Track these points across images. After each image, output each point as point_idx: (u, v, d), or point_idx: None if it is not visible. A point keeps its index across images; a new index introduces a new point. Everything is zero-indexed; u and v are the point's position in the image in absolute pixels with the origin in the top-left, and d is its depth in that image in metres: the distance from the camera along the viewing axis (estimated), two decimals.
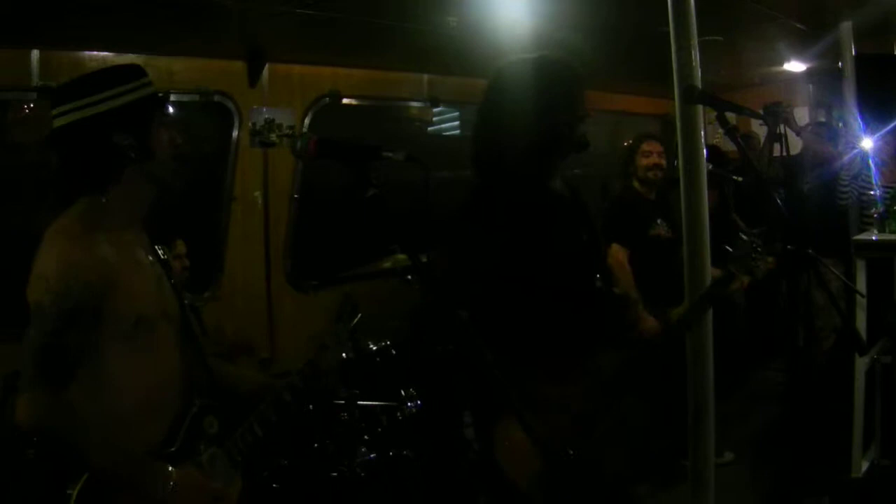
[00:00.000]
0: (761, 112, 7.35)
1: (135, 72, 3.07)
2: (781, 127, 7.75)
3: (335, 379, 3.50)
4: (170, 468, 2.85)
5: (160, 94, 3.14)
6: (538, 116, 3.38)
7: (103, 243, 2.84)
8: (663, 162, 6.62)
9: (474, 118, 3.70)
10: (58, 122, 2.95)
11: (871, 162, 7.18)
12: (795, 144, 8.48)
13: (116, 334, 2.83)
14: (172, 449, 2.98)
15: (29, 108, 5.68)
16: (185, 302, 3.32)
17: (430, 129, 9.89)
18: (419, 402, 5.39)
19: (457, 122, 10.00)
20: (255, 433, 3.19)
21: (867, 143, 7.15)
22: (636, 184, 6.65)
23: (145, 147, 2.97)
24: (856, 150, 7.30)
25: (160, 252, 3.22)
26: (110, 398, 2.86)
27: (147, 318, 2.92)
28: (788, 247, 3.72)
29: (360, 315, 3.62)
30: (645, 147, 6.60)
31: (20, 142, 5.84)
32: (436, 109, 9.07)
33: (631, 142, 6.87)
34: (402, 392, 5.39)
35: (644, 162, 6.57)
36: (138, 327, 2.89)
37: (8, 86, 5.44)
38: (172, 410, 3.05)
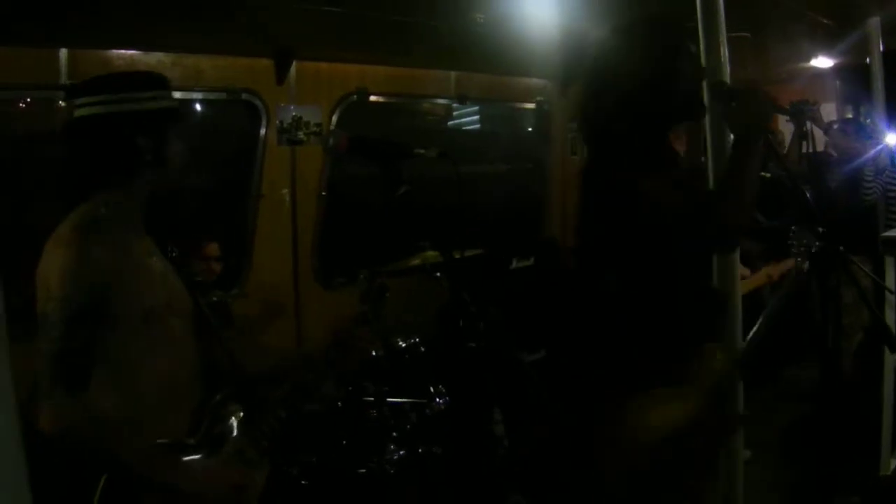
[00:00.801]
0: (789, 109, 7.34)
1: (161, 81, 3.14)
2: (808, 125, 7.74)
3: (361, 357, 3.46)
4: (190, 460, 2.90)
5: (178, 110, 3.21)
6: (659, 81, 3.33)
7: (101, 245, 2.86)
8: (681, 150, 6.56)
9: (583, 91, 3.61)
10: (80, 112, 3.01)
11: (894, 158, 7.16)
12: (821, 142, 8.47)
13: (126, 330, 2.88)
14: (193, 441, 3.01)
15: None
16: (205, 298, 3.36)
17: (449, 123, 9.90)
18: (448, 399, 5.40)
19: (476, 118, 10.00)
20: (280, 417, 3.20)
21: (892, 139, 7.12)
22: None
23: (161, 154, 3.05)
24: (880, 146, 7.28)
25: (170, 251, 3.26)
26: (128, 393, 2.91)
27: (154, 312, 2.96)
28: (817, 244, 3.71)
29: (388, 294, 3.56)
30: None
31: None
32: (455, 105, 9.09)
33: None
34: (431, 389, 5.40)
35: None
36: (147, 321, 2.93)
37: (36, 84, 5.47)
38: (191, 402, 3.09)
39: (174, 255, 3.28)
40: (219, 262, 5.80)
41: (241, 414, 3.14)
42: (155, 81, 3.12)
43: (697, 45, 3.51)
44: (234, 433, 3.10)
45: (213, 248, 5.77)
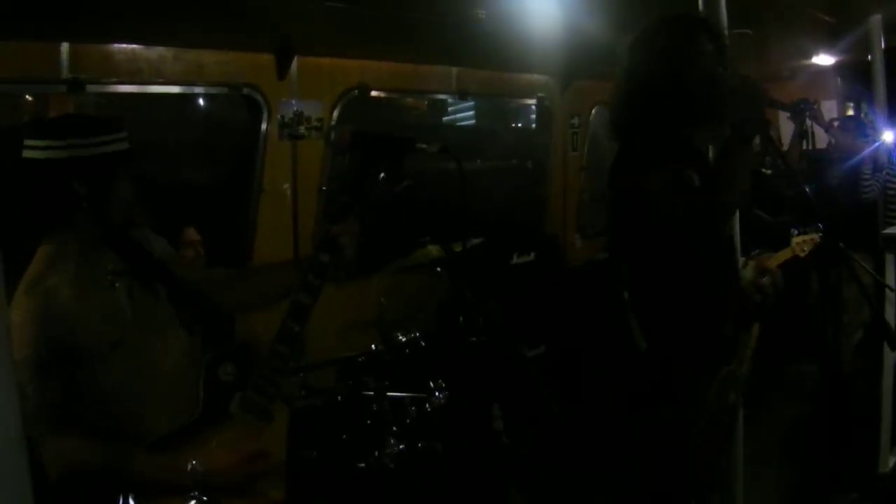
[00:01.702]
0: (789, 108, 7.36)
1: (113, 125, 3.16)
2: (808, 123, 7.75)
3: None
4: (189, 454, 2.89)
5: (129, 152, 3.19)
6: (682, 79, 3.33)
7: (59, 293, 2.97)
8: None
9: (621, 81, 3.61)
10: (26, 154, 3.07)
11: (892, 156, 7.17)
12: (821, 139, 8.48)
13: (98, 362, 2.97)
14: (194, 417, 3.01)
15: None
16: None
17: (444, 118, 9.90)
18: (448, 394, 5.40)
19: (472, 113, 9.99)
20: (281, 353, 3.14)
21: (890, 136, 7.13)
22: None
23: (104, 200, 3.10)
24: (876, 144, 7.29)
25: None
26: (127, 408, 3.04)
27: (123, 339, 3.04)
28: (818, 240, 3.74)
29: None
30: None
31: None
32: (451, 100, 9.11)
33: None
34: (432, 384, 5.40)
35: None
36: (119, 349, 3.02)
37: (38, 79, 5.47)
38: (193, 391, 3.08)
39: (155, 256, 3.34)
40: (200, 246, 5.81)
41: (235, 366, 3.12)
42: (105, 126, 3.14)
43: (728, 48, 3.50)
44: (236, 390, 3.08)
45: (192, 233, 5.77)
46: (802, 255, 6.06)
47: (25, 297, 2.95)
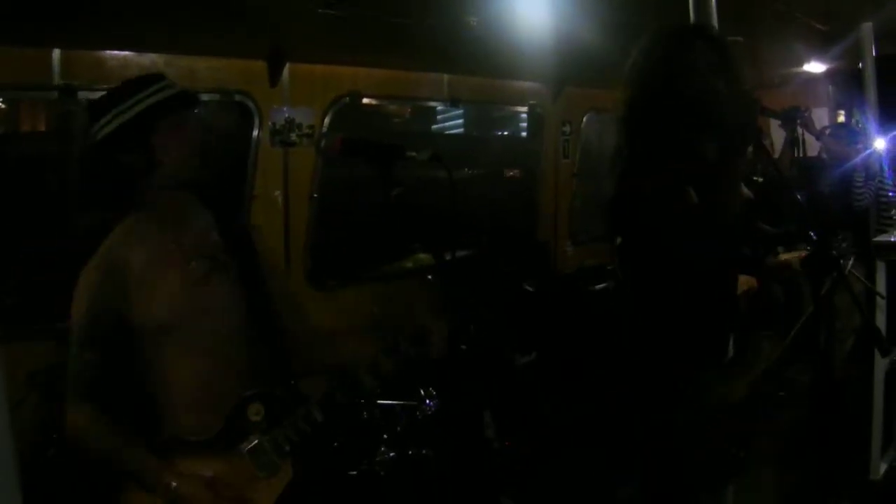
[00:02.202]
0: (780, 116, 7.36)
1: (156, 77, 3.15)
2: (799, 130, 7.76)
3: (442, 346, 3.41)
4: (170, 474, 2.93)
5: (172, 97, 3.15)
6: (689, 84, 3.32)
7: (123, 263, 3.02)
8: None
9: (628, 86, 3.59)
10: (102, 133, 3.05)
11: (883, 164, 7.17)
12: (812, 147, 8.48)
13: (143, 342, 3.02)
14: (208, 438, 3.04)
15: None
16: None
17: (433, 127, 9.90)
18: (439, 402, 5.39)
19: (461, 121, 9.99)
20: (313, 418, 3.17)
21: (881, 144, 7.14)
22: None
23: (150, 159, 3.05)
24: (868, 151, 7.30)
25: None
26: (157, 395, 3.07)
27: (175, 324, 3.03)
28: (808, 248, 3.74)
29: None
30: None
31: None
32: (440, 108, 9.11)
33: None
34: (422, 391, 5.40)
35: None
36: (167, 333, 3.02)
37: (29, 85, 5.47)
38: (228, 402, 3.10)
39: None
40: None
41: (263, 413, 3.12)
42: (151, 78, 3.13)
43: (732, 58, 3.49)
44: (254, 432, 3.10)
45: None
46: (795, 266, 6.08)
47: (94, 266, 3.03)
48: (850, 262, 5.78)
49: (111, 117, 3.01)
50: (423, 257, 5.56)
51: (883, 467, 6.10)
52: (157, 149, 3.04)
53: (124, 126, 3.01)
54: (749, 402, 3.65)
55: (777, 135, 9.15)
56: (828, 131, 8.46)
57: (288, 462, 3.14)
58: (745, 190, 6.65)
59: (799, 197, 3.83)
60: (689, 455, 3.42)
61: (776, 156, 8.28)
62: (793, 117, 7.59)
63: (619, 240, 3.57)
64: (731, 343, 4.05)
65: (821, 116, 9.87)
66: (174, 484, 2.88)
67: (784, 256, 5.98)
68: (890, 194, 7.10)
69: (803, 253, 5.85)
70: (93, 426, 2.94)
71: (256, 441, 3.06)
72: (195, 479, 2.93)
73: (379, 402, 5.20)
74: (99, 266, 3.01)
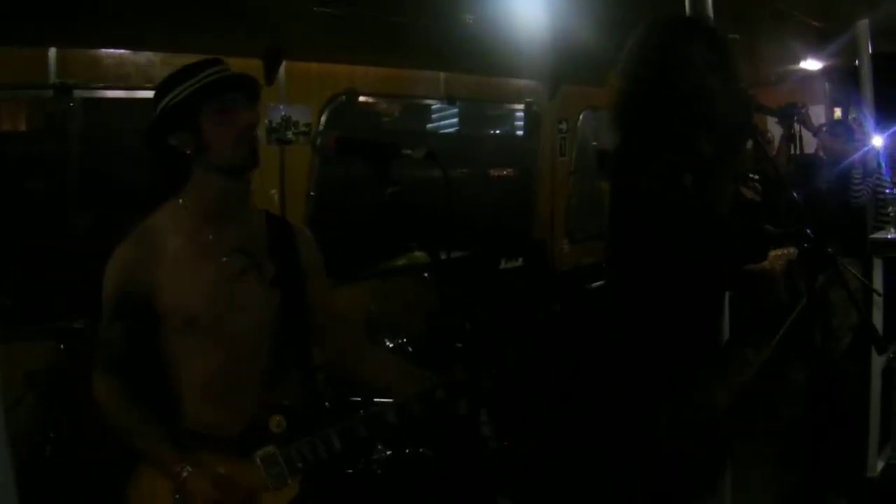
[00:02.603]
0: (777, 113, 7.37)
1: (211, 62, 3.18)
2: (796, 127, 7.76)
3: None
4: (184, 463, 2.90)
5: (221, 79, 3.15)
6: (682, 78, 3.31)
7: (159, 246, 3.03)
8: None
9: (621, 72, 3.58)
10: (166, 103, 3.09)
11: (881, 161, 7.17)
12: (809, 144, 8.49)
13: (168, 329, 3.02)
14: (225, 436, 3.03)
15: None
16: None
17: (429, 125, 9.90)
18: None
19: (455, 119, 9.98)
20: (332, 444, 3.14)
21: (879, 141, 7.14)
22: None
23: (199, 142, 3.04)
24: (866, 148, 7.30)
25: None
26: (175, 382, 3.06)
27: (198, 316, 3.02)
28: (806, 245, 3.73)
29: None
30: None
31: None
32: (434, 106, 9.10)
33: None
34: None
35: None
36: (193, 327, 3.01)
37: (25, 84, 5.46)
38: (246, 405, 3.08)
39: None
40: None
41: (284, 426, 3.11)
42: (205, 63, 3.16)
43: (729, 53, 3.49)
44: (272, 442, 3.07)
45: None
46: (778, 268, 6.08)
47: (131, 242, 3.04)
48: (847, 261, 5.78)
49: (168, 99, 3.04)
50: (420, 255, 5.56)
51: (880, 465, 6.10)
52: (205, 132, 3.02)
53: (174, 107, 3.02)
54: (736, 406, 3.64)
55: (775, 132, 9.17)
56: (825, 128, 8.46)
57: (297, 479, 3.12)
58: (749, 192, 6.66)
59: (795, 195, 3.81)
60: (684, 453, 3.42)
61: (773, 153, 8.28)
62: (790, 114, 7.61)
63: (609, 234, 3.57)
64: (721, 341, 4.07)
65: (817, 114, 9.89)
66: (185, 473, 2.86)
67: (774, 253, 5.96)
68: (887, 191, 7.10)
69: (790, 250, 5.86)
70: (111, 398, 2.97)
71: (272, 451, 3.05)
72: (206, 473, 2.91)
73: (375, 400, 5.20)
74: (136, 243, 3.02)
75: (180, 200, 3.11)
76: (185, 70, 3.12)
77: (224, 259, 3.11)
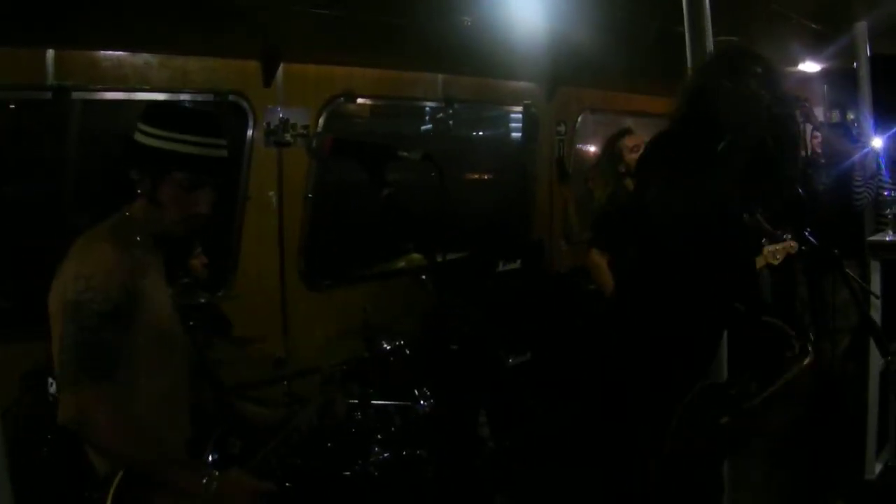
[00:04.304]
0: None
1: (215, 129, 3.14)
2: (800, 119, 7.74)
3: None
4: (209, 470, 2.90)
5: (219, 160, 3.17)
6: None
7: (133, 256, 2.95)
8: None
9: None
10: (139, 138, 3.05)
11: (881, 162, 7.17)
12: (809, 145, 8.47)
13: (140, 343, 2.92)
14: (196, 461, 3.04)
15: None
16: (194, 300, 3.34)
17: (430, 126, 9.88)
18: (433, 402, 5.39)
19: (459, 120, 9.95)
20: (291, 442, 3.26)
21: (879, 143, 7.14)
22: (630, 182, 6.23)
23: (153, 194, 3.04)
24: (865, 150, 7.29)
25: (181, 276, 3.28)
26: (136, 402, 2.93)
27: (166, 335, 3.02)
28: (804, 247, 3.74)
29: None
30: (628, 142, 6.28)
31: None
32: (436, 107, 9.08)
33: (609, 145, 6.62)
34: (416, 391, 5.40)
35: (633, 157, 6.14)
36: (159, 342, 2.99)
37: (23, 85, 5.45)
38: (181, 429, 3.11)
39: (185, 280, 3.31)
40: (203, 256, 5.81)
41: (239, 447, 3.13)
42: (215, 128, 3.13)
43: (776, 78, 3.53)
44: (233, 464, 3.08)
45: (202, 257, 5.78)
46: (775, 262, 6.04)
47: (118, 237, 2.95)
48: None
49: (157, 132, 3.02)
50: (417, 257, 5.56)
51: (878, 467, 6.11)
52: (161, 191, 3.02)
53: (152, 150, 3.00)
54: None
55: None
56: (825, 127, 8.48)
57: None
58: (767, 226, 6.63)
59: (801, 191, 3.84)
60: (682, 459, 3.42)
61: None
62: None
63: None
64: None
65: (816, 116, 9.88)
66: (213, 480, 2.85)
67: (771, 248, 5.94)
68: (886, 193, 7.09)
69: (790, 243, 5.85)
70: (112, 409, 2.77)
71: (237, 472, 3.06)
72: (228, 475, 2.92)
73: (373, 402, 5.20)
74: (116, 244, 2.93)
75: (135, 210, 3.08)
76: (192, 119, 3.12)
77: (165, 285, 3.15)
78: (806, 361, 3.82)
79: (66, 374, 2.74)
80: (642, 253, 3.54)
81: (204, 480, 2.84)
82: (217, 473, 2.87)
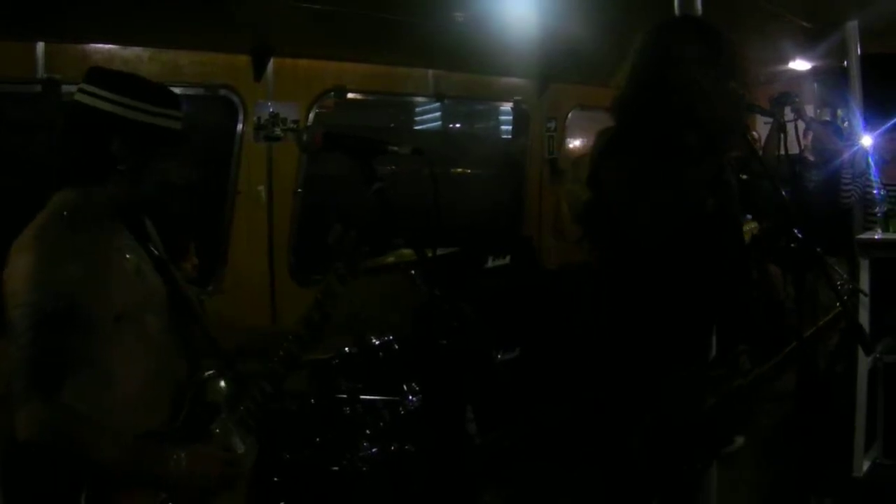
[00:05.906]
0: (770, 104, 7.35)
1: (173, 101, 3.05)
2: (790, 115, 7.74)
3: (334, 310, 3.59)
4: (175, 448, 2.82)
5: (180, 133, 3.07)
6: (677, 79, 3.33)
7: (72, 246, 2.79)
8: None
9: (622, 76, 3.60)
10: (80, 98, 2.94)
11: (870, 160, 7.18)
12: (797, 143, 8.47)
13: (98, 334, 2.78)
14: (174, 428, 2.96)
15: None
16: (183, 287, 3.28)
17: (420, 121, 9.86)
18: (421, 397, 5.39)
19: (438, 114, 9.94)
20: (265, 391, 3.17)
21: (868, 141, 7.15)
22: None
23: (139, 171, 2.97)
24: (855, 148, 7.31)
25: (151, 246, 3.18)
26: (106, 394, 2.83)
27: (127, 312, 2.87)
28: (793, 245, 3.73)
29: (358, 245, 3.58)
30: None
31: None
32: (425, 103, 9.08)
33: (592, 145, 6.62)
34: (405, 386, 5.39)
35: None
36: (120, 322, 2.85)
37: (13, 78, 5.44)
38: (174, 395, 3.04)
39: (157, 253, 3.21)
40: (195, 257, 5.79)
41: (226, 390, 3.10)
42: (169, 100, 3.04)
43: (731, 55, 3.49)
44: (220, 413, 3.06)
45: (193, 259, 5.76)
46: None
47: (38, 241, 2.77)
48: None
49: (112, 97, 2.90)
50: (406, 252, 5.55)
51: (866, 464, 6.11)
52: (120, 158, 2.93)
53: (112, 116, 2.90)
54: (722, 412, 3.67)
55: (761, 132, 9.15)
56: (815, 124, 8.48)
57: (253, 440, 3.11)
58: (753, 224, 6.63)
59: (783, 192, 3.82)
60: (666, 452, 3.42)
61: (762, 143, 8.24)
62: (784, 102, 7.57)
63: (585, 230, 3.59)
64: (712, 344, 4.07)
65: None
66: (183, 456, 2.79)
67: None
68: (874, 192, 7.11)
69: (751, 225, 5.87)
70: (69, 423, 2.64)
71: (224, 420, 3.03)
72: (194, 450, 2.85)
73: (361, 396, 5.19)
74: (44, 238, 2.80)
75: (78, 192, 2.98)
76: (170, 96, 3.07)
77: (127, 254, 3.00)
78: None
79: (18, 393, 2.61)
80: (618, 253, 3.53)
81: (172, 459, 2.78)
82: (182, 454, 2.80)
